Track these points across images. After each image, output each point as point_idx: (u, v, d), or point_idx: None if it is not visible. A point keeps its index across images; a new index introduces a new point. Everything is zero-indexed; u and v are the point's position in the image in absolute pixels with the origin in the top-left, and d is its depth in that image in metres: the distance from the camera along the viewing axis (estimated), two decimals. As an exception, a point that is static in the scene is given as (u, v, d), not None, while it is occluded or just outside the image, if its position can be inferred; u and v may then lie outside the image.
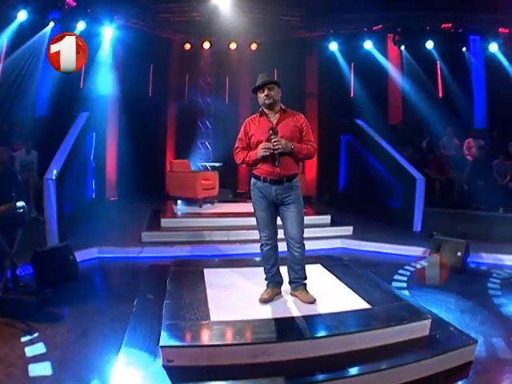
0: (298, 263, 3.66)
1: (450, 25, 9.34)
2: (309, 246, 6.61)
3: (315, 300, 3.59)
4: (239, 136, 3.62)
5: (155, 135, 10.55)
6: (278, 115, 3.54)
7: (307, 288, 3.70)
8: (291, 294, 3.75)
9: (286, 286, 3.80)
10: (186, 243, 6.45)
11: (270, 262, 3.72)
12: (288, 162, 3.48)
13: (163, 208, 8.03)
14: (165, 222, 6.80)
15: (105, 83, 8.89)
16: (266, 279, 3.79)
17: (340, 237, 7.33)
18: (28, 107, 8.22)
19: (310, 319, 3.27)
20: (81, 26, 8.14)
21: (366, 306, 3.59)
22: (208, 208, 8.09)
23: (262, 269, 4.49)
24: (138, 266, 5.60)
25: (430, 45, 9.74)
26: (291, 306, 3.53)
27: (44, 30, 8.08)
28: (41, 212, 5.19)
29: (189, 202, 8.32)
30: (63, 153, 6.14)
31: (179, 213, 7.51)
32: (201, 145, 11.66)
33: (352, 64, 10.77)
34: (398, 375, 2.90)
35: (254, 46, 10.64)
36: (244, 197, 10.69)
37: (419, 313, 3.47)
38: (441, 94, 10.07)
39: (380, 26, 9.79)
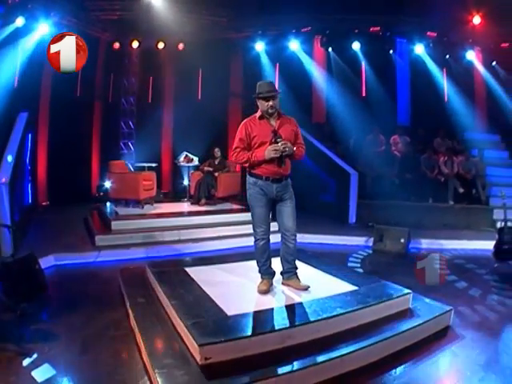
0: (292, 254, 3.90)
1: (379, 28, 10.01)
2: (252, 241, 6.97)
3: (309, 287, 3.86)
4: (240, 136, 3.74)
5: (82, 136, 10.04)
6: (277, 119, 3.75)
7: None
8: (283, 283, 3.97)
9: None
10: (140, 245, 6.31)
11: (265, 256, 3.89)
12: (287, 163, 3.74)
13: (103, 210, 7.69)
14: (116, 224, 6.55)
15: (37, 82, 8.23)
16: (259, 272, 3.94)
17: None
18: None
19: (315, 303, 3.52)
20: (20, 21, 7.58)
21: (353, 287, 3.95)
22: (150, 209, 7.93)
23: (241, 263, 4.77)
24: (100, 271, 5.43)
25: (356, 46, 10.36)
26: (291, 294, 3.75)
27: None
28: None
29: (127, 203, 8.08)
30: (11, 155, 5.60)
31: (123, 214, 7.23)
32: (123, 145, 11.34)
33: (277, 64, 11.18)
34: (399, 342, 3.31)
35: (181, 46, 10.59)
36: (169, 196, 10.70)
37: (400, 289, 3.93)
38: (364, 94, 10.83)
39: (309, 28, 10.26)
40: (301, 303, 3.53)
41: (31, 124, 7.57)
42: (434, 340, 3.49)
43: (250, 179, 3.81)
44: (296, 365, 2.82)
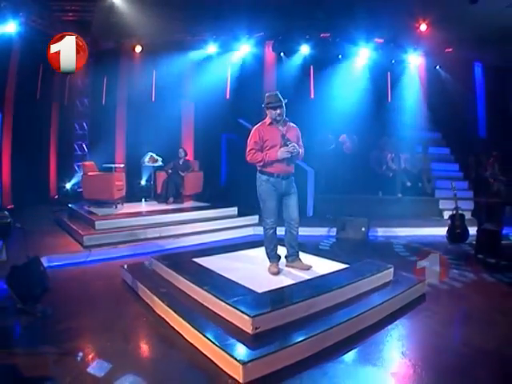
0: (296, 240, 4.58)
1: (329, 34, 10.66)
2: (227, 235, 7.58)
3: (311, 266, 4.54)
4: (254, 140, 4.31)
5: (42, 138, 9.86)
6: (284, 125, 4.39)
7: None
8: (287, 265, 4.60)
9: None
10: (125, 242, 6.58)
11: (274, 242, 4.51)
12: (293, 162, 4.40)
13: (78, 211, 7.78)
14: (99, 223, 6.72)
15: (2, 83, 8.05)
16: (268, 256, 4.54)
17: (250, 225, 8.30)
18: None
19: (322, 278, 4.23)
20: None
21: (345, 265, 4.70)
22: (121, 208, 8.14)
23: (241, 253, 5.42)
24: (95, 270, 5.61)
25: (306, 51, 11.02)
26: (299, 273, 4.38)
27: None
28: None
29: (97, 203, 8.18)
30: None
31: (102, 214, 7.38)
32: (78, 147, 11.26)
33: (229, 67, 11.66)
34: (393, 305, 4.10)
35: (138, 48, 10.75)
36: (126, 196, 10.83)
37: (384, 264, 4.74)
38: (312, 96, 11.70)
39: (261, 33, 10.79)
40: (311, 279, 4.20)
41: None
42: (416, 303, 4.33)
43: (261, 177, 4.39)
44: (325, 326, 3.43)
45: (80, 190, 10.30)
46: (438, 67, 11.65)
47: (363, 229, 7.35)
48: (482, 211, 6.39)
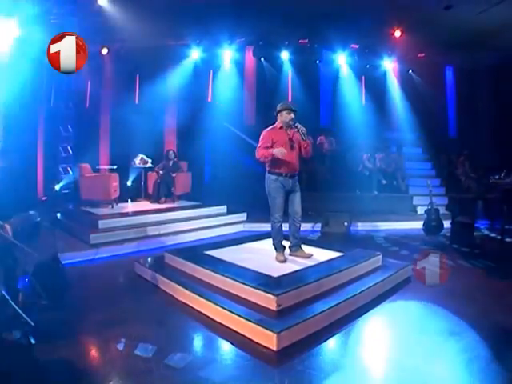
0: (299, 231, 5.20)
1: (307, 40, 11.22)
2: (221, 231, 8.04)
3: (312, 254, 5.15)
4: (265, 140, 4.91)
5: (28, 141, 9.92)
6: (291, 129, 5.00)
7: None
8: (291, 255, 5.18)
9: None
10: (129, 240, 6.96)
11: (280, 234, 5.10)
12: (296, 162, 5.02)
13: (77, 212, 8.09)
14: (102, 223, 7.06)
15: None
16: (275, 247, 5.10)
17: (240, 222, 8.84)
18: None
19: (324, 264, 4.86)
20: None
21: (340, 253, 5.34)
22: (118, 208, 8.47)
23: (245, 245, 5.94)
24: (105, 266, 5.92)
25: (285, 56, 11.62)
26: (303, 261, 4.97)
27: None
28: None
29: (92, 203, 8.46)
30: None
31: (102, 214, 7.70)
32: (62, 149, 11.40)
33: (211, 71, 12.14)
34: (381, 287, 4.73)
35: (122, 52, 11.02)
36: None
37: (373, 252, 5.44)
38: (290, 99, 12.26)
39: (243, 38, 11.29)
40: (315, 265, 4.82)
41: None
42: (404, 284, 5.04)
43: (271, 177, 4.96)
44: (334, 302, 4.05)
45: (66, 191, 10.56)
46: (410, 71, 12.42)
47: (345, 223, 8.00)
48: (455, 205, 7.15)
